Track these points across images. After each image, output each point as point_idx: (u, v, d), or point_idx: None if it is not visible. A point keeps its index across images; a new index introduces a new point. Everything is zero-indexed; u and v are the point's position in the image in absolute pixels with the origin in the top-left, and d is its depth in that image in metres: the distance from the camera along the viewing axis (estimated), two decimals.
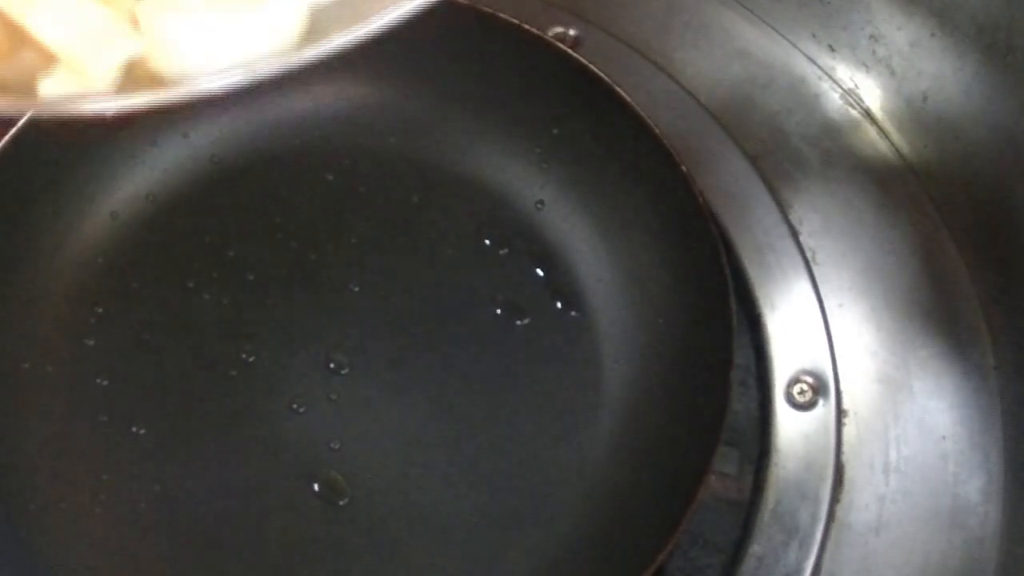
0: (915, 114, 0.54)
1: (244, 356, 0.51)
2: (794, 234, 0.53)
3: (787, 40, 0.58)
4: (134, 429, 0.49)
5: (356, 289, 0.52)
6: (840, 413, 0.49)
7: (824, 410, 0.49)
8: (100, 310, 0.52)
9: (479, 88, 0.54)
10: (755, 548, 0.47)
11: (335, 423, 0.49)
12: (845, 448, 0.49)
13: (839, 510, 0.48)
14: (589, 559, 0.46)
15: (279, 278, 0.53)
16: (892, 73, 0.54)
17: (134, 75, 0.27)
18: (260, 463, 0.49)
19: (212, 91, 0.26)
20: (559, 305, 0.52)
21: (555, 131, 0.54)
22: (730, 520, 0.48)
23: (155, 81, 0.27)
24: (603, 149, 0.52)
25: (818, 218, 0.54)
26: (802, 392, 0.49)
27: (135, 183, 0.54)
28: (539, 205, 0.54)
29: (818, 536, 0.47)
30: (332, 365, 0.51)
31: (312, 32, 0.28)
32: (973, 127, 0.50)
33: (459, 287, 0.53)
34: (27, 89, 0.27)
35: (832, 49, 0.56)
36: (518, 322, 0.52)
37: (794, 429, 0.49)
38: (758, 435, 0.49)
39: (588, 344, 0.51)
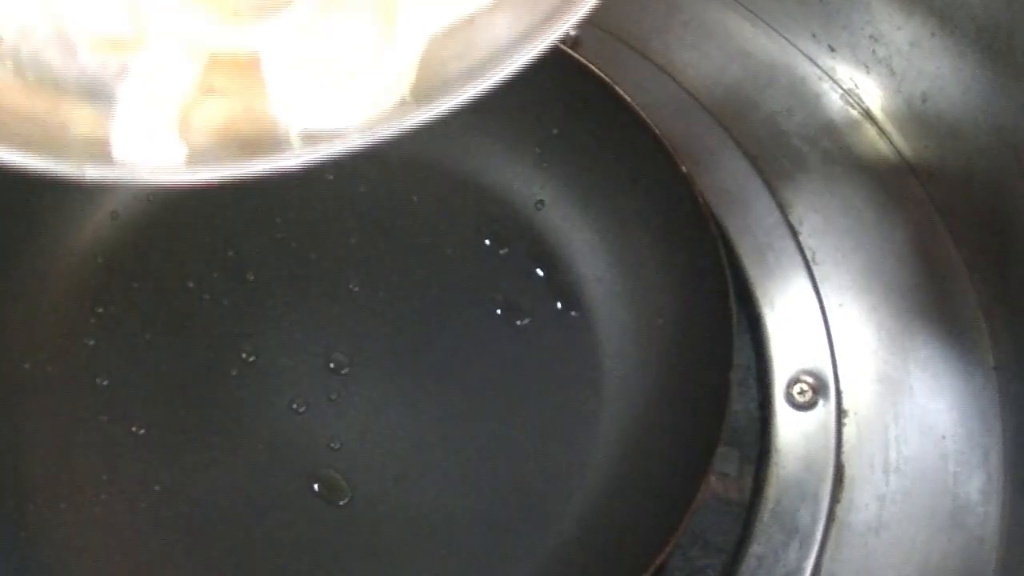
0: (915, 114, 0.54)
1: (244, 356, 0.51)
2: (794, 234, 0.53)
3: (787, 40, 0.58)
4: (134, 429, 0.49)
5: (356, 289, 0.52)
6: (840, 413, 0.49)
7: (824, 410, 0.49)
8: (100, 310, 0.52)
9: None
10: (755, 548, 0.47)
11: (335, 423, 0.49)
12: (845, 448, 0.49)
13: (839, 510, 0.48)
14: (589, 559, 0.46)
15: (279, 278, 0.53)
16: (892, 73, 0.54)
17: (230, 138, 0.27)
18: (260, 463, 0.49)
19: (320, 158, 0.26)
20: (559, 305, 0.52)
21: (555, 131, 0.54)
22: (730, 520, 0.48)
23: (252, 145, 0.27)
24: (603, 149, 0.52)
25: (818, 218, 0.54)
26: (802, 392, 0.49)
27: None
28: (539, 205, 0.54)
29: (818, 536, 0.47)
30: (332, 365, 0.51)
31: (423, 80, 0.28)
32: (973, 127, 0.50)
33: (459, 287, 0.53)
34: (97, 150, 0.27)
35: (832, 49, 0.56)
36: (518, 322, 0.52)
37: (794, 429, 0.49)
38: (758, 435, 0.49)
39: (588, 344, 0.51)
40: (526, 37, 0.27)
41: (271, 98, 0.27)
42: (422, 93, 0.27)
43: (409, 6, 0.27)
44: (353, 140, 0.26)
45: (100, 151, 0.27)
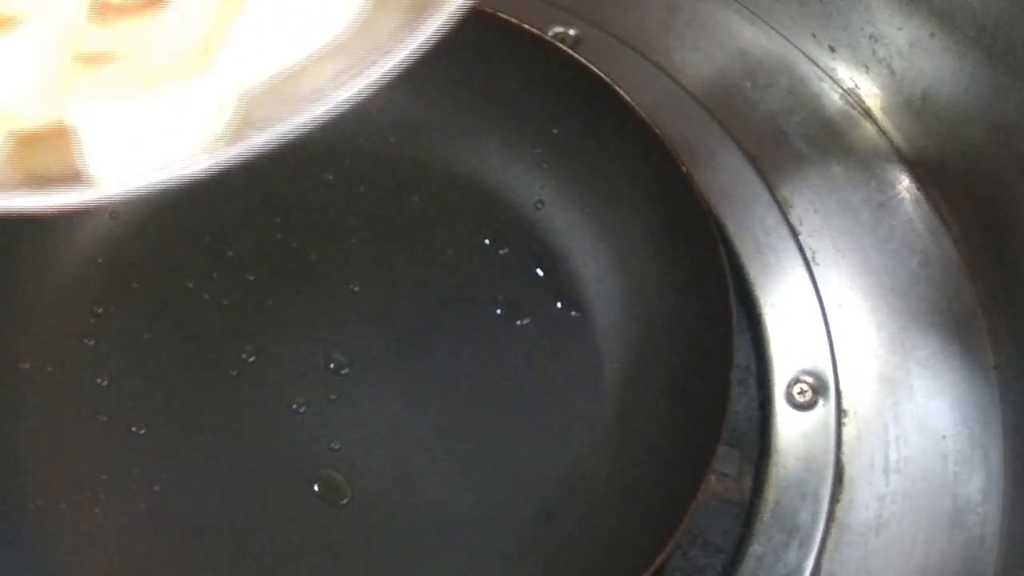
0: (915, 114, 0.54)
1: (244, 356, 0.51)
2: (794, 234, 0.53)
3: (787, 40, 0.58)
4: (134, 429, 0.49)
5: (356, 289, 0.52)
6: (840, 413, 0.49)
7: (824, 410, 0.49)
8: (100, 310, 0.52)
9: (479, 88, 0.54)
10: (755, 548, 0.47)
11: (335, 423, 0.49)
12: (845, 448, 0.49)
13: (839, 510, 0.48)
14: (589, 559, 0.46)
15: (279, 278, 0.53)
16: (892, 73, 0.54)
17: (37, 171, 0.27)
18: (260, 463, 0.49)
19: (128, 193, 0.26)
20: (559, 305, 0.52)
21: (555, 131, 0.54)
22: (730, 520, 0.48)
23: (62, 177, 0.26)
24: (603, 149, 0.52)
25: (818, 218, 0.54)
26: (802, 392, 0.49)
27: None
28: (539, 205, 0.54)
29: (818, 536, 0.47)
30: (332, 365, 0.51)
31: (246, 119, 0.27)
32: (973, 127, 0.50)
33: (459, 287, 0.53)
34: None
35: (832, 49, 0.56)
36: (518, 322, 0.52)
37: (794, 429, 0.49)
38: (758, 435, 0.49)
39: (588, 344, 0.51)
40: (345, 81, 0.26)
41: (78, 147, 0.26)
42: (234, 133, 0.27)
43: (223, 69, 0.27)
44: (158, 178, 0.26)
45: None
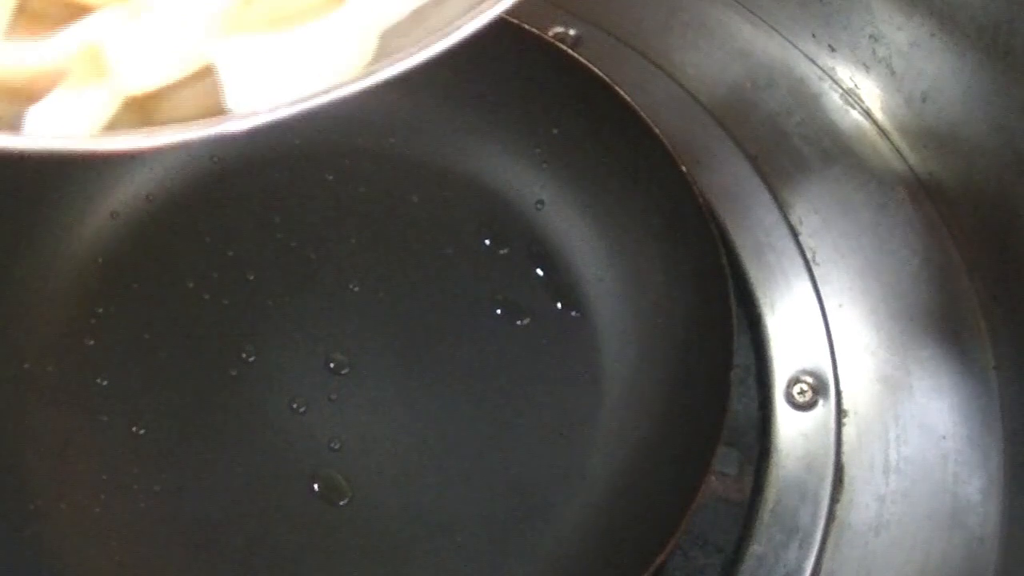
0: (915, 114, 0.54)
1: (244, 356, 0.51)
2: (794, 234, 0.53)
3: (787, 40, 0.58)
4: (134, 429, 0.49)
5: (356, 289, 0.52)
6: (840, 413, 0.49)
7: (824, 410, 0.49)
8: (100, 310, 0.52)
9: (479, 88, 0.54)
10: (755, 548, 0.47)
11: (335, 423, 0.49)
12: (845, 448, 0.49)
13: (839, 510, 0.48)
14: (589, 559, 0.46)
15: (279, 278, 0.53)
16: (892, 73, 0.54)
17: (162, 109, 0.27)
18: (260, 463, 0.49)
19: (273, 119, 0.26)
20: (559, 305, 0.52)
21: (555, 131, 0.54)
22: (730, 520, 0.48)
23: (194, 114, 0.26)
24: (603, 149, 0.52)
25: (818, 218, 0.54)
26: (802, 392, 0.49)
27: (135, 183, 0.54)
28: (539, 205, 0.54)
29: (818, 536, 0.47)
30: (332, 365, 0.51)
31: (381, 51, 0.28)
32: (973, 127, 0.50)
33: (459, 287, 0.53)
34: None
35: (832, 49, 0.56)
36: (518, 322, 0.52)
37: (794, 429, 0.49)
38: (758, 435, 0.49)
39: (588, 344, 0.51)
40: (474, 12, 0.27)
41: (218, 86, 0.26)
42: (369, 65, 0.27)
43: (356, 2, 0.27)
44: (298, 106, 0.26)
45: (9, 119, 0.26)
